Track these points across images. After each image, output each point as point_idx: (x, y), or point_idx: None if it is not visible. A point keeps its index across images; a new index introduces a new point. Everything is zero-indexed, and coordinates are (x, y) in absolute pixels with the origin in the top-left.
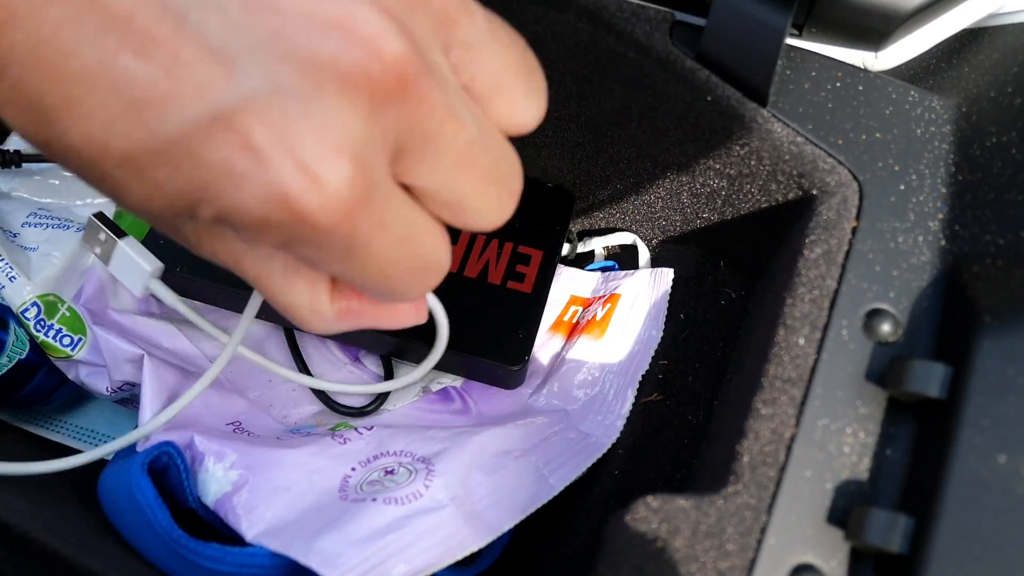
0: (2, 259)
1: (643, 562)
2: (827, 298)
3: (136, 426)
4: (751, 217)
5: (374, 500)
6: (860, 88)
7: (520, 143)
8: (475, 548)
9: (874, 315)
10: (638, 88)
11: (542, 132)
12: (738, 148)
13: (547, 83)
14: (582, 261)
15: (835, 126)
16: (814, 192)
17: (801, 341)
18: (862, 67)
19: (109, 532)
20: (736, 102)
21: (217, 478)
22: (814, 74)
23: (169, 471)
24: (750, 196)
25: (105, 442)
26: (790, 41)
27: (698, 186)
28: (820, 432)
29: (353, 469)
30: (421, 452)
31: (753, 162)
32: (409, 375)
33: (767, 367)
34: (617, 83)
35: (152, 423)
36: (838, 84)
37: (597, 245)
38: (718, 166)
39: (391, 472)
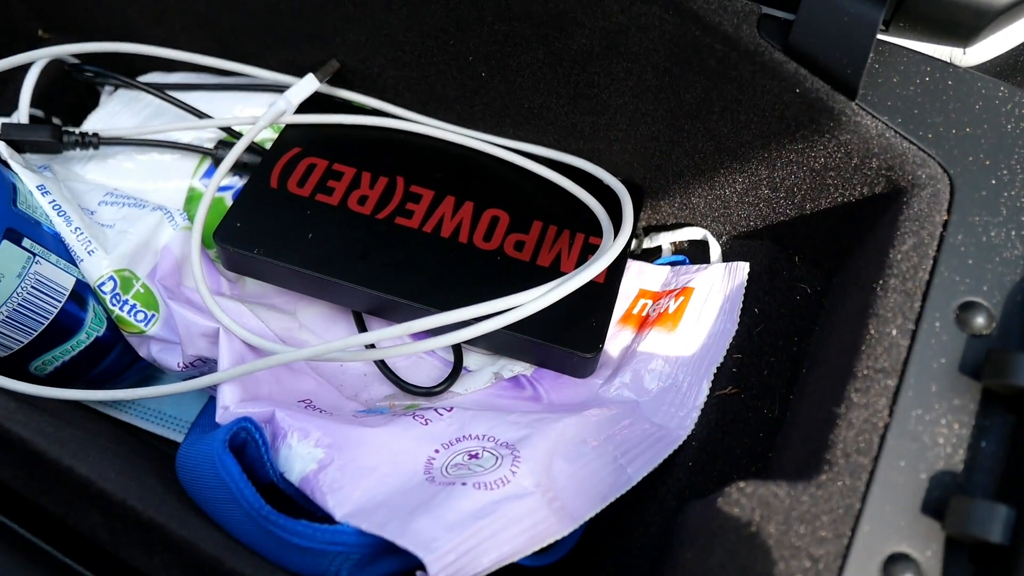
0: (82, 233)
1: (736, 546)
2: (920, 290)
3: (204, 404)
4: (832, 211)
5: (464, 484)
6: (950, 83)
7: (591, 137)
8: (559, 536)
9: (967, 308)
10: (723, 80)
11: (615, 125)
12: (825, 141)
13: (626, 75)
14: (648, 256)
15: (925, 120)
16: (903, 185)
17: (894, 332)
18: (951, 62)
19: (192, 506)
20: (825, 95)
21: (301, 455)
22: (903, 68)
23: (247, 447)
24: (833, 190)
25: (172, 423)
26: (879, 35)
27: (778, 180)
28: (914, 423)
29: (436, 451)
30: (504, 437)
31: (840, 155)
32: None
33: (859, 357)
34: (701, 75)
35: (231, 371)
36: (927, 79)
37: (664, 240)
38: (802, 159)
39: (475, 456)
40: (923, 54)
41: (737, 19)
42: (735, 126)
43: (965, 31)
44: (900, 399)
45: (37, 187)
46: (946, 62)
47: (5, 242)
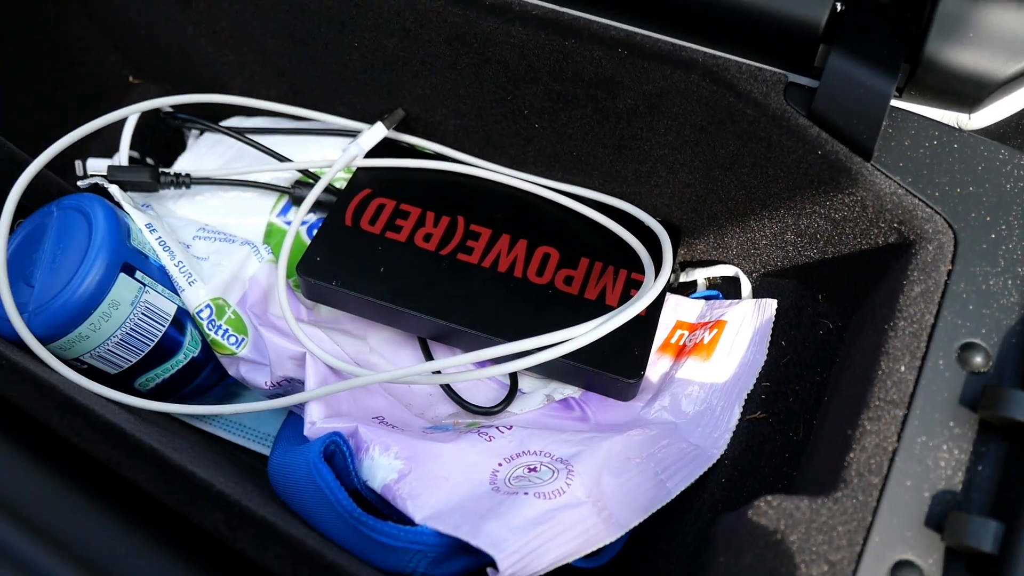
0: (183, 266)
1: (764, 551)
2: (925, 332)
3: (283, 419)
4: (851, 257)
5: (526, 494)
6: (955, 146)
7: (634, 182)
8: (608, 541)
9: (967, 348)
10: (753, 140)
11: (656, 173)
12: (844, 196)
13: (666, 131)
14: (684, 289)
15: (932, 179)
16: (912, 237)
17: (902, 368)
18: (956, 126)
19: (287, 508)
20: (844, 156)
21: (383, 466)
22: (913, 132)
23: (335, 457)
24: (851, 238)
25: (252, 435)
26: (892, 102)
27: (802, 227)
28: (919, 448)
29: (500, 464)
30: (559, 453)
31: (857, 209)
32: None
33: (871, 390)
34: (733, 135)
35: (320, 391)
36: (935, 142)
37: (699, 276)
38: (824, 211)
39: (534, 469)
40: (931, 119)
41: (766, 87)
42: (764, 179)
43: (970, 99)
44: (907, 427)
45: (146, 225)
46: (952, 126)
47: (122, 275)
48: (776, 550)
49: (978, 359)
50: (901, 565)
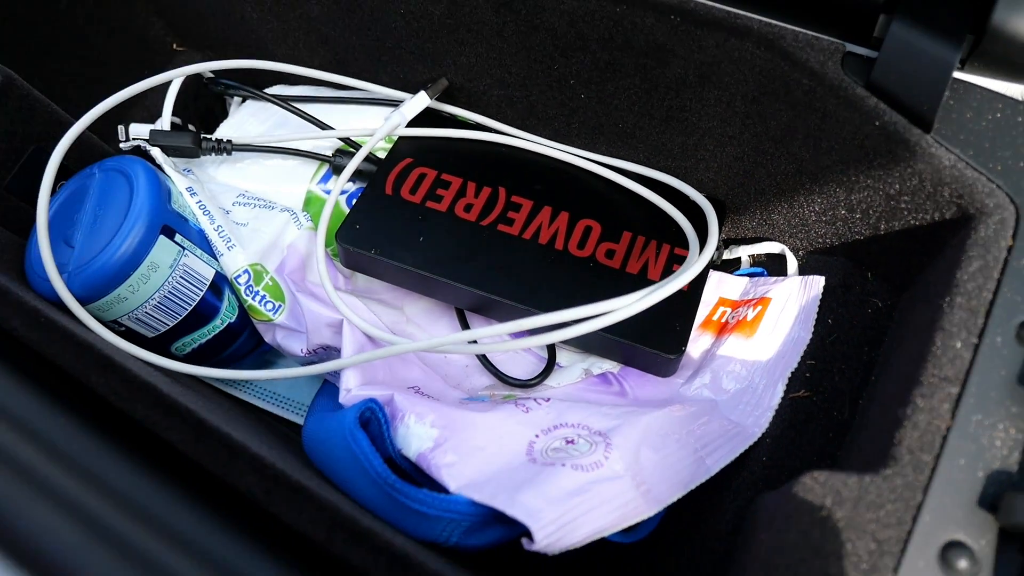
0: (223, 230)
1: (809, 528)
2: (983, 308)
3: (318, 388)
4: (904, 233)
5: (563, 465)
6: (1019, 120)
7: (680, 156)
8: (645, 516)
9: None
10: (807, 111)
11: (703, 146)
12: (901, 169)
13: (716, 103)
14: (727, 267)
15: (994, 153)
16: (972, 211)
17: (958, 345)
18: (1021, 100)
19: (320, 475)
20: (903, 128)
21: (418, 434)
22: (975, 105)
23: (371, 424)
24: (907, 213)
25: (286, 404)
26: (954, 74)
27: (855, 202)
28: (974, 426)
29: (537, 436)
30: (597, 426)
31: (915, 182)
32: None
33: (925, 366)
34: (786, 105)
35: (356, 358)
36: (998, 115)
37: (743, 253)
38: (879, 184)
39: (571, 442)
40: (995, 92)
41: (823, 56)
42: (816, 152)
43: None
44: (962, 405)
45: (187, 189)
46: (1017, 100)
47: (162, 237)
48: (823, 527)
49: None
50: (952, 546)
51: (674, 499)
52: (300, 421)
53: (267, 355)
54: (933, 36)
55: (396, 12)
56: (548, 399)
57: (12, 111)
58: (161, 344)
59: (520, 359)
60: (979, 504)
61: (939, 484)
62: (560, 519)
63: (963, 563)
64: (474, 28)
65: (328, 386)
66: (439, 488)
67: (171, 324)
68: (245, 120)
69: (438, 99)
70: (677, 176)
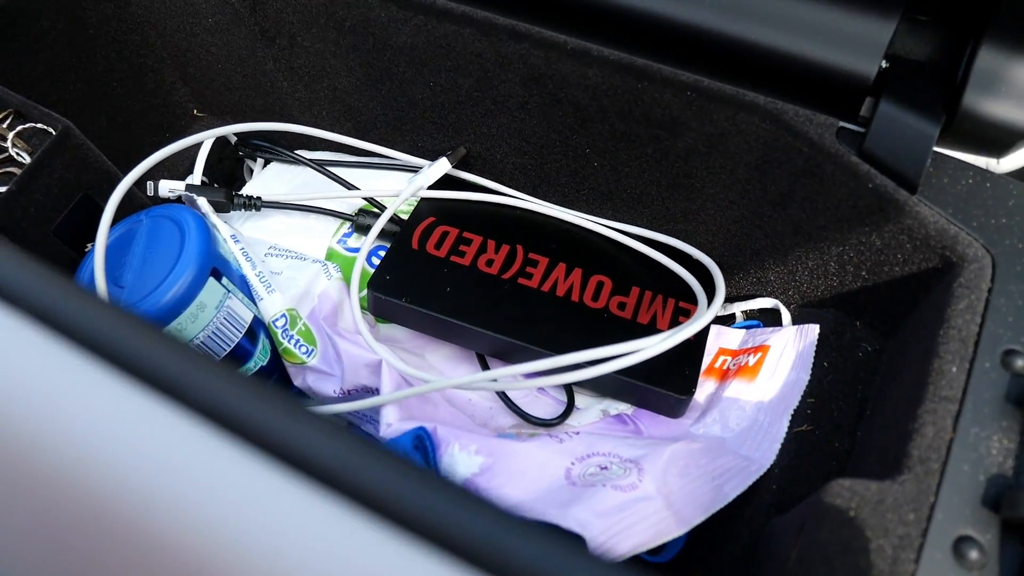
0: (264, 276)
1: (837, 527)
2: (972, 339)
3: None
4: (891, 283)
5: (603, 486)
6: (988, 185)
7: (681, 219)
8: (676, 535)
9: (1010, 353)
10: (805, 175)
11: (704, 210)
12: (891, 225)
13: (721, 169)
14: (722, 323)
15: (970, 212)
16: (955, 260)
17: (954, 369)
18: (986, 168)
19: None
20: (892, 190)
21: (464, 462)
22: (951, 172)
23: (419, 452)
24: (893, 264)
25: None
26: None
27: (846, 257)
28: (973, 438)
29: (572, 463)
30: (627, 455)
31: (903, 237)
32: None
33: (927, 387)
34: (787, 172)
35: (398, 394)
36: (971, 180)
37: (737, 309)
38: (868, 240)
39: (606, 468)
40: (966, 162)
41: (821, 129)
42: (812, 213)
43: (1001, 146)
44: (961, 419)
45: (231, 236)
46: (984, 168)
47: (211, 279)
48: (851, 525)
49: (1020, 362)
50: (963, 540)
51: (701, 520)
52: None
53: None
54: (915, 113)
55: (425, 84)
56: (578, 432)
57: (67, 159)
58: None
59: (540, 403)
60: (983, 503)
61: (948, 487)
62: (608, 531)
63: (974, 554)
64: (500, 100)
65: (354, 429)
66: None
67: None
68: (270, 180)
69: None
70: (677, 237)
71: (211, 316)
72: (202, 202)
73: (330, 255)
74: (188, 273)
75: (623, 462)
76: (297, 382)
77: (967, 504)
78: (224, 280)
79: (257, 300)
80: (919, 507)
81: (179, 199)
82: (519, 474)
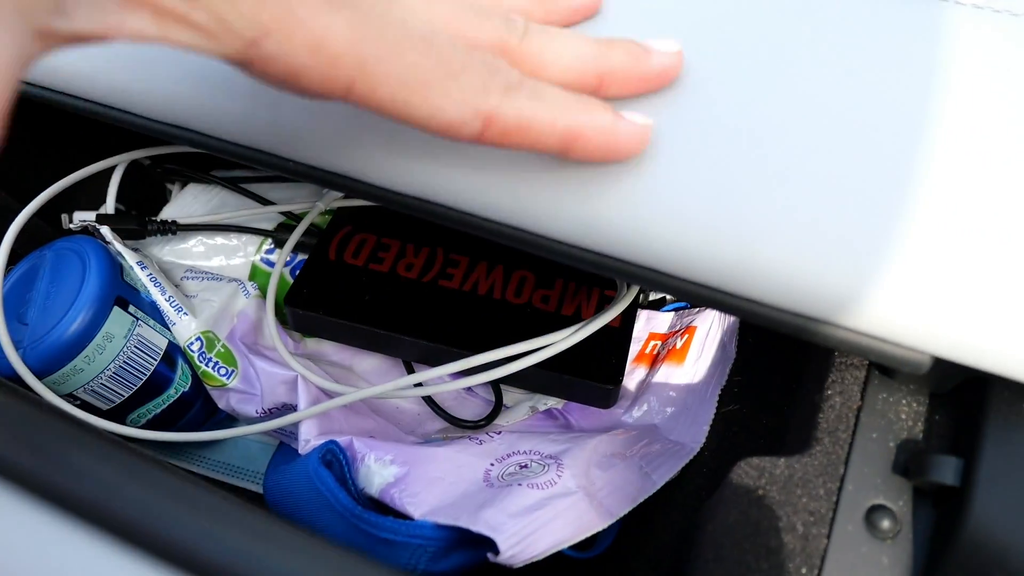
0: (174, 301)
1: (747, 508)
2: None
3: (272, 452)
4: None
5: (519, 485)
6: None
7: None
8: (599, 528)
9: None
10: None
11: None
12: None
13: None
14: (654, 305)
15: None
16: None
17: None
18: None
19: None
20: None
21: (379, 472)
22: None
23: (332, 466)
24: None
25: (243, 474)
26: None
27: None
28: (881, 404)
29: (492, 464)
30: (548, 451)
31: None
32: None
33: (834, 357)
34: None
35: (312, 409)
36: None
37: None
38: None
39: (525, 466)
40: None
41: None
42: None
43: None
44: (868, 386)
45: (137, 263)
46: None
47: (116, 308)
48: (760, 505)
49: None
50: (875, 509)
51: (624, 512)
52: (258, 489)
53: (223, 424)
54: None
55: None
56: (500, 432)
57: None
58: (116, 415)
59: (469, 403)
60: (893, 470)
61: (857, 456)
62: (522, 531)
63: (886, 523)
64: None
65: (285, 447)
66: (404, 518)
67: (126, 395)
68: (187, 203)
69: None
70: None
71: (120, 346)
72: (105, 231)
73: (254, 272)
74: (90, 305)
75: (543, 459)
76: (221, 404)
77: (878, 473)
78: (131, 308)
79: (170, 325)
80: (829, 480)
81: (84, 231)
82: (436, 480)
